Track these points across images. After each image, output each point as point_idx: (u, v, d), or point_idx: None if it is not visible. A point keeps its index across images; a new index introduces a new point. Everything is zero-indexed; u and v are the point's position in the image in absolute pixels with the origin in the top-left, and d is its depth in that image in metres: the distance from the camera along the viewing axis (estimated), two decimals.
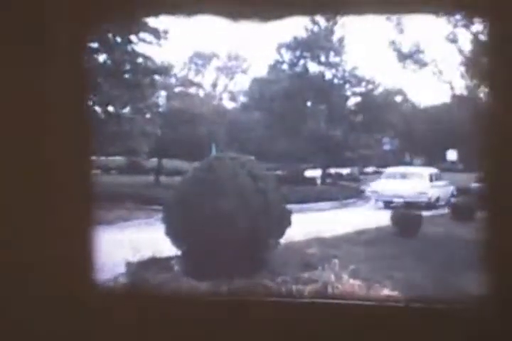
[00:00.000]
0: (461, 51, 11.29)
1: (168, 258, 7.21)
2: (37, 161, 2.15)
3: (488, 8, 2.00)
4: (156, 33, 15.72)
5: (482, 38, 10.89)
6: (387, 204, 14.24)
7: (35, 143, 2.15)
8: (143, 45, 15.78)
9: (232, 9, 2.09)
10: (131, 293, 2.49)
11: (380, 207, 14.72)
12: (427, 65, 11.51)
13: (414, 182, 14.70)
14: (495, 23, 1.99)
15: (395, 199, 14.18)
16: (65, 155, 2.16)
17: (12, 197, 2.15)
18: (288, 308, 2.19)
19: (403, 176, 15.44)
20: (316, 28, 20.08)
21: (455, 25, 10.82)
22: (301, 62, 20.74)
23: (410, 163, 21.84)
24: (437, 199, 14.74)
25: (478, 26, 10.66)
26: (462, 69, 11.91)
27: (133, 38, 15.39)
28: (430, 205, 14.20)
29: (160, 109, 19.36)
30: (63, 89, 2.15)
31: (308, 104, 20.93)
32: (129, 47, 15.46)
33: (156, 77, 17.14)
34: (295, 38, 20.44)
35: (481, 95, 12.91)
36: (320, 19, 19.72)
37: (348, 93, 20.64)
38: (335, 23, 19.85)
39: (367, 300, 2.33)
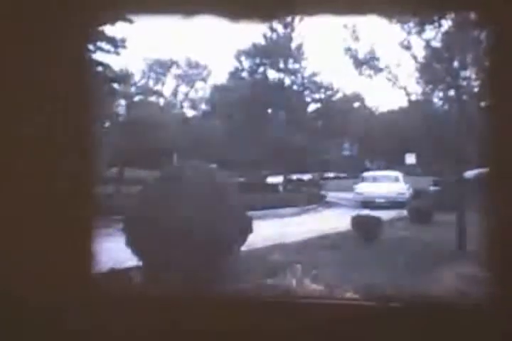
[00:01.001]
0: (414, 57, 11.56)
1: (129, 269, 7.14)
2: (39, 171, 2.14)
3: (490, 11, 2.03)
4: (113, 41, 15.59)
5: (434, 44, 11.19)
6: (369, 205, 15.25)
7: (39, 151, 2.14)
8: (100, 54, 15.63)
9: (230, 10, 2.10)
10: (129, 296, 2.48)
11: (357, 208, 15.39)
12: (382, 71, 11.74)
13: (393, 184, 16.23)
14: (495, 26, 2.03)
15: (377, 200, 15.43)
16: (67, 163, 2.16)
17: (15, 205, 2.14)
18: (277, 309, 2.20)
19: (382, 179, 16.89)
20: (274, 35, 20.24)
21: (408, 33, 11.07)
22: (261, 69, 20.87)
23: (374, 168, 22.50)
24: (409, 199, 15.95)
25: (429, 33, 10.97)
26: (416, 75, 12.19)
27: (90, 46, 15.18)
28: (405, 204, 15.19)
29: (120, 118, 19.18)
30: (68, 97, 2.15)
31: (269, 110, 21.05)
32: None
33: (115, 85, 16.99)
34: (254, 45, 20.57)
35: (435, 100, 13.22)
36: (278, 26, 19.91)
37: (308, 99, 20.84)
38: (293, 30, 20.05)
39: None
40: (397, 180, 16.72)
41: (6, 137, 2.16)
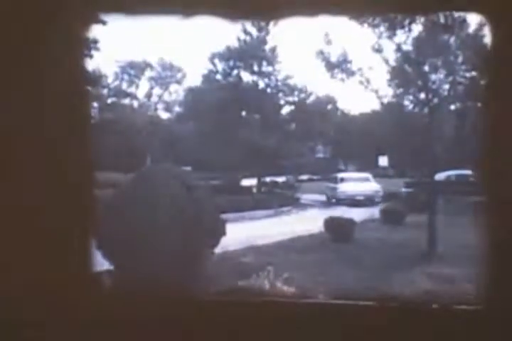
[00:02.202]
0: (386, 61, 11.68)
1: (100, 273, 7.05)
2: (38, 171, 2.12)
3: (490, 8, 2.03)
4: (85, 43, 15.43)
5: (405, 47, 11.33)
6: (351, 202, 17.24)
7: (37, 152, 2.12)
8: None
9: (229, 10, 2.10)
10: (129, 295, 2.47)
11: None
12: (355, 74, 11.84)
13: (368, 183, 18.20)
14: (496, 23, 2.03)
15: (358, 197, 17.50)
16: (66, 164, 2.14)
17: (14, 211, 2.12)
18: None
19: (357, 179, 18.55)
20: (248, 38, 20.26)
21: (380, 36, 11.19)
22: (235, 71, 20.87)
23: (350, 170, 23.15)
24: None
25: (401, 37, 11.10)
26: (388, 78, 12.33)
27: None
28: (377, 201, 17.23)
29: (92, 121, 18.98)
30: (63, 99, 2.13)
31: (243, 113, 21.07)
32: None
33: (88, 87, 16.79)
34: (228, 48, 20.57)
35: (406, 102, 13.39)
36: (252, 29, 19.95)
37: (282, 102, 20.90)
38: (267, 33, 20.10)
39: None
40: (368, 180, 18.57)
41: (3, 138, 2.15)
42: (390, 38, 11.07)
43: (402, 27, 10.89)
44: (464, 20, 10.30)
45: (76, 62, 2.24)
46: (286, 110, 21.12)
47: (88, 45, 15.77)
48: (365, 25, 11.00)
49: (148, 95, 26.20)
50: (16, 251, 2.16)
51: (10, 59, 2.15)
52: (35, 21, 2.14)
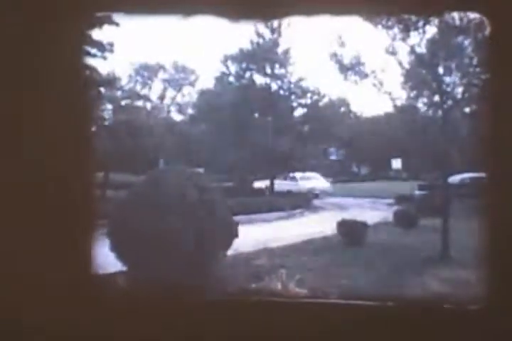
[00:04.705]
0: (400, 63, 11.63)
1: (113, 274, 7.09)
2: (41, 176, 2.13)
3: (488, 7, 2.02)
4: (100, 45, 15.54)
5: (419, 50, 11.28)
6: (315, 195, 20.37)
7: (37, 155, 2.13)
8: (87, 58, 15.51)
9: (230, 10, 2.11)
10: (132, 296, 2.48)
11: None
12: (368, 76, 11.80)
13: (320, 181, 21.21)
14: (494, 23, 2.02)
15: (317, 191, 20.41)
16: (68, 169, 2.15)
17: (17, 211, 2.13)
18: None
19: (312, 178, 21.12)
20: (261, 40, 20.29)
21: (393, 38, 11.15)
22: (248, 74, 20.90)
23: (358, 172, 23.43)
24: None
25: (414, 39, 11.06)
26: (401, 80, 12.29)
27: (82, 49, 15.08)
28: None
29: (106, 122, 19.09)
30: (65, 103, 2.14)
31: (256, 115, 21.08)
32: None
33: (102, 89, 16.91)
34: (241, 50, 20.61)
35: (420, 105, 13.32)
36: (265, 31, 19.98)
37: (294, 104, 20.88)
38: (280, 35, 20.11)
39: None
40: (319, 178, 21.40)
41: (3, 138, 2.16)
42: (404, 40, 11.03)
43: (416, 29, 10.85)
44: (480, 22, 10.21)
45: (77, 63, 2.24)
46: (298, 112, 21.11)
47: (102, 48, 15.90)
48: (379, 27, 10.98)
49: (162, 97, 26.34)
50: (18, 252, 2.16)
51: (9, 59, 2.17)
52: (35, 21, 2.15)
